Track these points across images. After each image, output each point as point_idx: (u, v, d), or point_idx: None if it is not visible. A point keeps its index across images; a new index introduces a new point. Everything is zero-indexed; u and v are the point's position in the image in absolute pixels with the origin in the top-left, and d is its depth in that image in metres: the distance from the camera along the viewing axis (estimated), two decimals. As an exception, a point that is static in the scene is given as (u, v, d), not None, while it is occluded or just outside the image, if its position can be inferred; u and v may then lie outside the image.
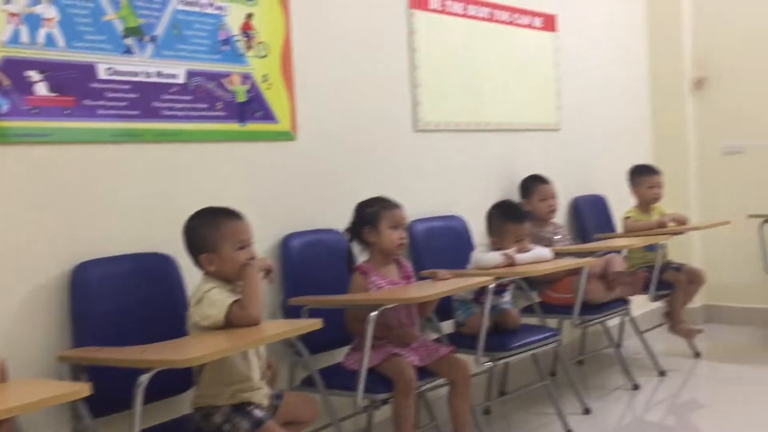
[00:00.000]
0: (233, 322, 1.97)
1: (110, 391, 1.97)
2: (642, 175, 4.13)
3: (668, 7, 4.85)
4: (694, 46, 4.85)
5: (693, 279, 4.01)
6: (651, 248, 3.86)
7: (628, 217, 4.06)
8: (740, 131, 4.74)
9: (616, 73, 4.66)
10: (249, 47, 2.67)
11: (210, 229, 2.08)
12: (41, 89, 2.13)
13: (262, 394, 2.10)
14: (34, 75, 2.12)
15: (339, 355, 2.71)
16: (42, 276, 2.12)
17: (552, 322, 3.49)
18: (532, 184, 3.71)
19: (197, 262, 2.11)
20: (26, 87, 2.10)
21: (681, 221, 4.05)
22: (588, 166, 4.38)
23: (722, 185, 4.80)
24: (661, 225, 3.96)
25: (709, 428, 3.16)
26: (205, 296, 2.01)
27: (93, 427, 1.95)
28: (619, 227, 4.32)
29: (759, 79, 4.64)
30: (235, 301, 1.99)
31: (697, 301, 4.60)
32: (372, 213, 2.66)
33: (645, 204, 4.11)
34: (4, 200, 2.07)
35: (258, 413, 2.02)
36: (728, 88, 4.77)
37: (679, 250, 4.37)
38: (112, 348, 2.01)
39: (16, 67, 2.08)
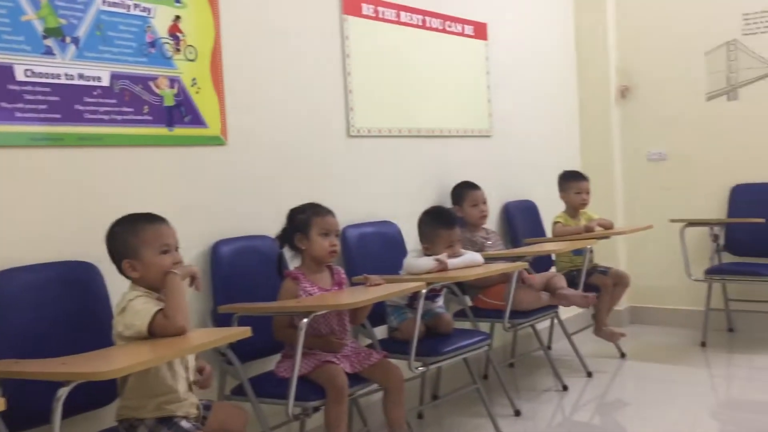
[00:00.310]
0: (157, 332, 1.91)
1: (29, 406, 1.90)
2: (570, 180, 4.23)
3: (594, 18, 5.00)
4: (620, 57, 5.02)
5: (618, 282, 4.13)
6: (579, 252, 3.96)
7: (557, 222, 4.16)
8: (663, 139, 4.92)
9: (545, 81, 4.77)
10: (177, 50, 2.62)
11: (131, 235, 2.03)
12: (-46, 91, 2.04)
13: (188, 405, 2.05)
14: (-55, 76, 2.03)
15: (270, 363, 2.68)
16: (-46, 286, 2.03)
17: (484, 326, 3.54)
18: (463, 190, 3.76)
19: (120, 269, 2.05)
20: (-63, 88, 2.01)
21: (607, 226, 4.17)
22: (519, 172, 4.46)
23: (646, 191, 4.97)
24: (589, 230, 4.06)
25: (635, 427, 3.25)
26: (129, 305, 1.95)
27: (9, 443, 1.87)
28: (549, 232, 4.41)
29: (680, 90, 4.82)
30: (160, 310, 1.94)
31: (623, 303, 4.74)
32: (303, 219, 2.65)
33: (573, 209, 4.21)
34: None
35: (185, 424, 1.98)
36: (652, 97, 4.94)
37: (604, 253, 4.50)
38: (31, 360, 1.93)
39: (-74, 68, 1.99)
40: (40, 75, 2.24)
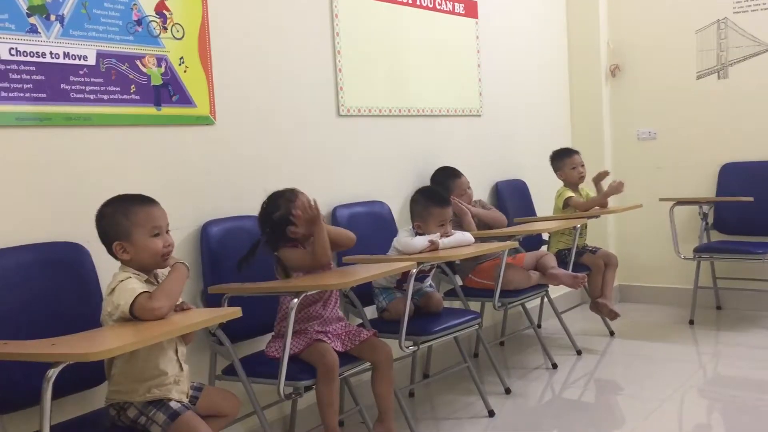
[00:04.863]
0: (138, 313, 1.89)
1: (19, 387, 1.89)
2: (564, 158, 4.22)
3: (586, -4, 4.98)
4: (610, 35, 5.00)
5: (607, 262, 4.14)
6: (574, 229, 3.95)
7: (570, 197, 4.11)
8: (653, 118, 4.92)
9: (535, 60, 4.75)
10: (164, 28, 2.59)
11: (122, 217, 2.01)
12: (-63, 70, 2.01)
13: (179, 391, 2.03)
14: (-72, 54, 1.99)
15: (261, 344, 2.68)
16: (-59, 268, 2.01)
17: (474, 305, 3.55)
18: (446, 179, 3.64)
19: (110, 250, 2.04)
20: None
21: (618, 189, 4.13)
22: (509, 151, 4.46)
23: (636, 170, 4.98)
24: (605, 199, 4.09)
25: (624, 404, 3.28)
26: (119, 286, 1.94)
27: (0, 423, 1.86)
28: (541, 211, 4.42)
29: (670, 68, 4.82)
30: (144, 292, 1.92)
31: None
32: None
33: (572, 185, 4.21)
34: None
35: (174, 405, 1.97)
36: (642, 75, 4.94)
37: (594, 232, 4.51)
38: (20, 342, 1.91)
39: None
40: (25, 54, 2.20)
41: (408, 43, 3.73)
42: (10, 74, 2.17)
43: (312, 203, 2.53)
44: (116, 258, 2.04)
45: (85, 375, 2.07)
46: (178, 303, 2.07)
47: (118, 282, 1.95)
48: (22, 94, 2.19)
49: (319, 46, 3.25)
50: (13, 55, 2.17)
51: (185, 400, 2.04)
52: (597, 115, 5.01)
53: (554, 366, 3.75)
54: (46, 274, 2.15)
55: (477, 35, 4.20)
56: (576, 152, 4.25)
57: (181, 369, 2.07)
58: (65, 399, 2.10)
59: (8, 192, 2.17)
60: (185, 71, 2.66)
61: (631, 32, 4.94)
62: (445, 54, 3.98)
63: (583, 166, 4.21)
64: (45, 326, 2.03)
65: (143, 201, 2.06)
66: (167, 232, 2.07)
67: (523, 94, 4.60)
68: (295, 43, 3.13)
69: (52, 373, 1.65)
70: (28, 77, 2.21)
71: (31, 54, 2.22)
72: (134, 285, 1.93)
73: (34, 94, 2.22)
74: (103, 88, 2.40)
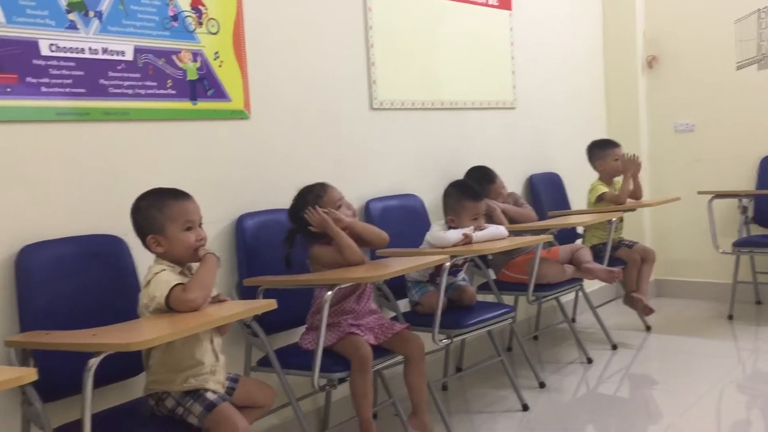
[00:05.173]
0: (173, 305, 1.92)
1: (60, 376, 1.94)
2: (606, 148, 4.16)
3: (622, -14, 4.90)
4: (647, 25, 4.92)
5: (644, 257, 4.08)
6: (609, 223, 3.90)
7: (604, 193, 4.04)
8: (691, 109, 4.83)
9: (571, 51, 4.69)
10: (199, 23, 2.61)
11: (156, 210, 2.04)
12: (-20, 66, 2.06)
13: (215, 381, 2.06)
14: (-28, 51, 2.05)
15: (295, 336, 2.70)
16: (-14, 259, 2.07)
17: (507, 298, 3.53)
18: (482, 184, 3.51)
19: (145, 243, 2.07)
20: (-36, 64, 2.03)
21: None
22: (543, 144, 4.42)
23: (673, 162, 4.89)
24: (636, 193, 4.03)
25: (661, 400, 3.24)
26: (154, 278, 1.97)
27: (43, 411, 1.91)
28: (575, 204, 4.38)
29: (709, 59, 4.72)
30: (179, 284, 1.95)
31: (649, 276, 4.70)
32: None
33: (609, 177, 4.15)
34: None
35: (211, 396, 2.00)
36: (680, 67, 4.85)
37: (631, 226, 4.45)
38: (61, 332, 1.96)
39: (-48, 43, 2.01)
40: (65, 50, 2.25)
41: (441, 35, 3.71)
42: (51, 70, 2.21)
43: (319, 210, 2.52)
44: (150, 251, 2.07)
45: (123, 365, 2.11)
46: (214, 295, 2.10)
47: (153, 275, 1.98)
48: (62, 90, 2.24)
49: (352, 39, 3.26)
50: (53, 51, 2.22)
51: (221, 390, 2.07)
52: (633, 107, 4.94)
53: (589, 360, 3.72)
54: (86, 266, 2.19)
55: (511, 27, 4.17)
56: (619, 145, 4.18)
57: (217, 359, 2.09)
58: (105, 388, 2.14)
59: (49, 185, 2.22)
60: (220, 66, 2.68)
61: (668, 22, 4.86)
62: (478, 46, 3.95)
63: (623, 159, 4.15)
64: (85, 317, 2.07)
65: (176, 195, 2.09)
66: (200, 225, 2.10)
67: (557, 86, 4.55)
68: (328, 37, 3.14)
69: (93, 363, 1.69)
70: (68, 73, 2.25)
71: (71, 50, 2.26)
72: (169, 277, 1.96)
73: (74, 90, 2.27)
74: (140, 83, 2.44)
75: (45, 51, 2.20)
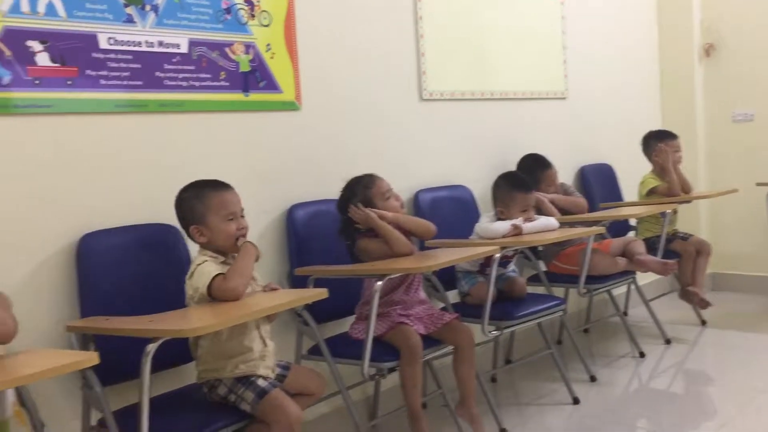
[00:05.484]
0: (215, 294, 1.96)
1: (118, 360, 1.99)
2: (665, 139, 4.06)
3: (678, -28, 4.78)
4: (704, 13, 4.79)
5: (700, 250, 3.98)
6: (662, 216, 3.82)
7: (655, 186, 3.95)
8: (750, 99, 4.69)
9: (624, 39, 4.60)
10: (251, 16, 2.65)
11: (197, 201, 2.09)
12: (43, 60, 2.12)
13: (265, 366, 2.10)
14: (35, 45, 2.11)
15: (344, 325, 2.72)
16: (49, 247, 2.14)
17: (558, 291, 3.49)
18: (535, 170, 3.53)
19: (189, 234, 2.12)
20: (28, 57, 2.09)
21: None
22: (595, 135, 4.35)
23: (731, 153, 4.76)
24: (684, 184, 3.94)
25: (716, 395, 3.17)
26: (197, 269, 2.02)
27: (103, 395, 1.97)
28: (628, 196, 4.30)
29: (769, 46, 4.58)
30: (220, 274, 1.99)
31: (704, 270, 4.59)
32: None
33: (663, 170, 4.05)
34: (10, 172, 2.07)
35: (262, 383, 2.03)
36: (738, 55, 4.71)
37: (686, 218, 4.35)
38: (120, 318, 2.02)
39: (17, 38, 2.07)
40: (122, 43, 2.30)
41: (491, 25, 3.68)
42: (109, 63, 2.27)
43: (361, 207, 2.54)
44: (194, 241, 2.12)
45: (175, 352, 2.14)
46: (265, 284, 2.13)
47: (195, 266, 2.04)
48: (120, 82, 2.30)
49: (402, 30, 3.26)
50: (111, 45, 2.27)
51: (272, 376, 2.10)
52: (689, 97, 4.82)
53: (642, 355, 3.66)
54: (142, 254, 2.25)
55: (562, 16, 4.10)
56: (677, 136, 4.08)
57: (266, 345, 2.13)
58: (157, 375, 2.18)
59: (108, 175, 2.28)
60: (272, 57, 2.71)
61: (725, 10, 4.71)
62: (529, 36, 3.90)
63: (681, 151, 4.05)
64: (140, 304, 2.12)
65: (216, 186, 2.13)
66: (242, 216, 2.14)
67: (610, 75, 4.46)
68: (378, 28, 3.14)
69: (152, 348, 1.74)
70: (126, 65, 2.31)
71: (128, 43, 2.31)
72: (209, 268, 2.00)
73: (131, 82, 2.32)
74: (194, 76, 2.48)
75: (104, 44, 2.26)
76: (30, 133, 2.12)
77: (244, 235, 2.12)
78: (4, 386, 1.48)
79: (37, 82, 2.11)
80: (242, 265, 2.02)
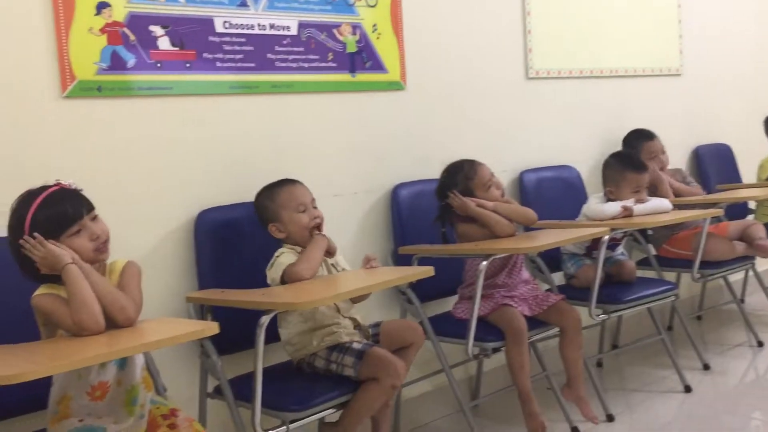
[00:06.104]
0: (287, 279, 2.04)
1: (231, 331, 2.07)
2: None
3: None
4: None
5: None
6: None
7: None
8: None
9: (744, 12, 4.33)
10: (359, -3, 2.67)
11: (268, 201, 2.20)
12: (164, 43, 2.23)
13: (347, 334, 2.13)
14: (157, 30, 2.21)
15: (446, 305, 2.73)
16: (171, 223, 2.25)
17: (669, 275, 3.37)
18: (638, 141, 3.44)
19: (270, 232, 2.20)
20: (150, 41, 2.20)
21: None
22: (711, 114, 4.13)
23: None
24: None
25: (842, 390, 2.98)
26: (275, 261, 2.11)
27: (219, 363, 2.06)
28: (747, 177, 4.08)
29: None
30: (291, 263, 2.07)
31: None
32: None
33: None
34: (135, 151, 2.19)
35: (357, 345, 2.07)
36: None
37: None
38: (235, 290, 2.11)
39: (140, 23, 2.18)
40: (236, 26, 2.38)
41: (601, 0, 3.55)
42: (224, 46, 2.35)
43: (458, 195, 2.53)
44: (275, 238, 2.19)
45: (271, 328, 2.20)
46: (367, 262, 2.17)
47: (274, 258, 2.13)
48: (234, 64, 2.38)
49: (509, 7, 3.20)
50: (226, 28, 2.36)
51: (357, 337, 2.14)
52: (818, 72, 4.50)
53: (759, 344, 3.48)
54: (253, 230, 2.31)
55: (678, -12, 3.92)
56: None
57: (343, 317, 2.16)
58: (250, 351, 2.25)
59: (222, 154, 2.37)
60: (378, 38, 2.73)
61: None
62: (640, 10, 3.75)
63: None
64: (250, 278, 2.18)
65: (282, 183, 2.22)
66: (314, 207, 2.20)
67: (729, 50, 4.23)
68: (484, 6, 3.10)
69: (265, 320, 1.81)
70: (239, 48, 2.39)
71: (242, 26, 2.39)
72: (284, 259, 2.09)
73: (244, 64, 2.40)
74: (303, 57, 2.54)
75: (219, 28, 2.34)
76: (152, 115, 2.23)
77: (318, 225, 2.19)
78: (135, 351, 1.58)
79: (158, 65, 2.22)
80: (310, 252, 2.11)
